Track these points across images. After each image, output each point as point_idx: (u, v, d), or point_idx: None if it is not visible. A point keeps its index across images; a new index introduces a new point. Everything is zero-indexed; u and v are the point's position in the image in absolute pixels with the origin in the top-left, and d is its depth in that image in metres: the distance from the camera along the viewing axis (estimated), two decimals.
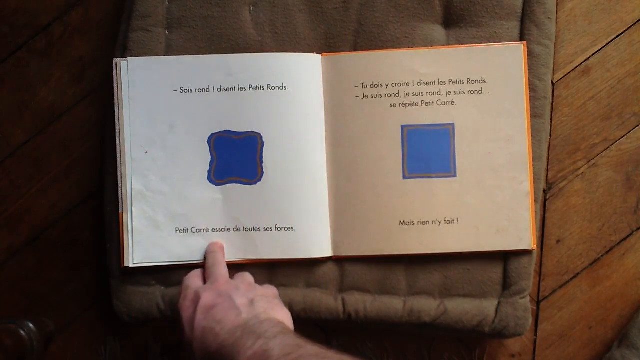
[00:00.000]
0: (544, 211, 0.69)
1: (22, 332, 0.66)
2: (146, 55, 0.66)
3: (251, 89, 0.66)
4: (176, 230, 0.66)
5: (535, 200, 0.65)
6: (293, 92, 0.66)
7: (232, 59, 0.66)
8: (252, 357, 0.51)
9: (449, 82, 0.66)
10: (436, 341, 0.69)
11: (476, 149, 0.65)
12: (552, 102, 0.69)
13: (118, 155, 0.66)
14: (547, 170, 0.69)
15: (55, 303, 0.71)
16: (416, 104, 0.66)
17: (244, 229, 0.66)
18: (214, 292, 0.58)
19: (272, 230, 0.65)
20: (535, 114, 0.66)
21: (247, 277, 0.63)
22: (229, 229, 0.66)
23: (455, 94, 0.66)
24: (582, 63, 0.69)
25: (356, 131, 0.66)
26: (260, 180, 0.66)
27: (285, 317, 0.58)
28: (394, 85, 0.66)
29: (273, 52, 0.67)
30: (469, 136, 0.65)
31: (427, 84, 0.66)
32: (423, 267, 0.66)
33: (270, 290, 0.61)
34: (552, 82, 0.68)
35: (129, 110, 0.66)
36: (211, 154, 0.66)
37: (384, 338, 0.70)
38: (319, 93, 0.66)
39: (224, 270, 0.63)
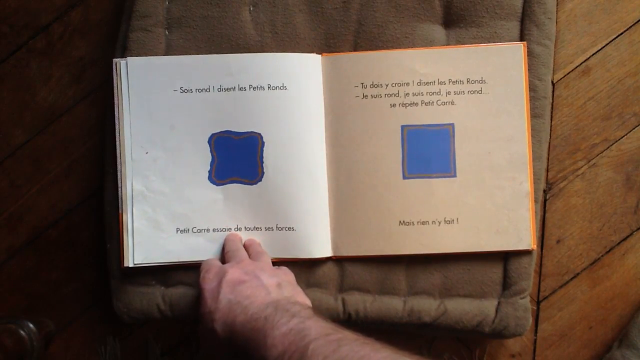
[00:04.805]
0: (544, 211, 0.69)
1: (22, 332, 0.66)
2: (146, 55, 0.66)
3: (251, 89, 0.66)
4: (177, 231, 0.66)
5: (535, 200, 0.65)
6: (293, 92, 0.65)
7: (232, 59, 0.66)
8: (287, 333, 0.49)
9: (449, 82, 0.66)
10: (436, 341, 0.69)
11: (476, 149, 0.65)
12: (552, 102, 0.69)
13: (118, 155, 0.66)
14: (547, 170, 0.69)
15: (55, 303, 0.71)
16: (416, 104, 0.66)
17: (245, 228, 0.66)
18: (241, 270, 0.58)
19: (273, 230, 0.65)
20: (535, 114, 0.66)
21: (266, 258, 0.63)
22: (230, 229, 0.66)
23: (455, 94, 0.66)
24: (582, 63, 0.69)
25: (356, 131, 0.66)
26: (260, 180, 0.66)
27: (309, 304, 0.57)
28: (394, 85, 0.66)
29: (273, 52, 0.67)
30: (469, 136, 0.65)
31: (427, 84, 0.66)
32: (423, 267, 0.66)
33: (290, 276, 0.61)
34: (552, 82, 0.68)
35: (129, 110, 0.66)
36: (212, 154, 0.66)
37: (384, 338, 0.69)
38: (319, 93, 0.66)
39: (245, 254, 0.62)
